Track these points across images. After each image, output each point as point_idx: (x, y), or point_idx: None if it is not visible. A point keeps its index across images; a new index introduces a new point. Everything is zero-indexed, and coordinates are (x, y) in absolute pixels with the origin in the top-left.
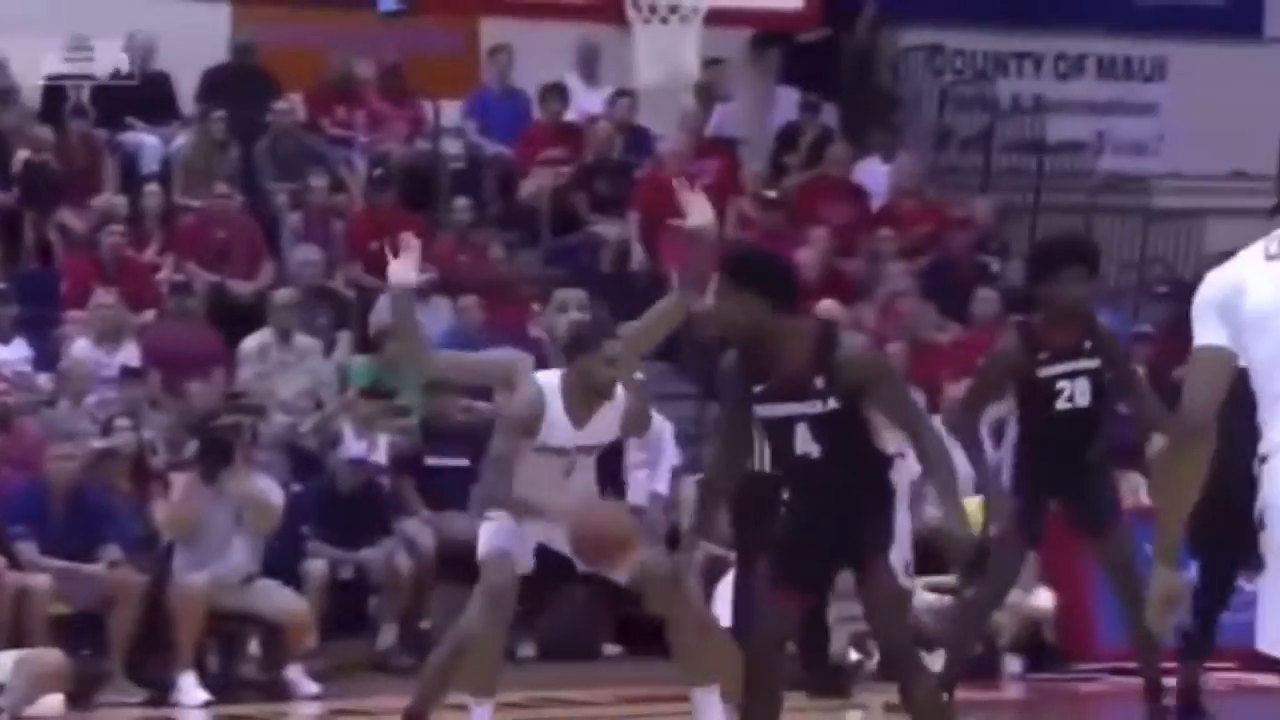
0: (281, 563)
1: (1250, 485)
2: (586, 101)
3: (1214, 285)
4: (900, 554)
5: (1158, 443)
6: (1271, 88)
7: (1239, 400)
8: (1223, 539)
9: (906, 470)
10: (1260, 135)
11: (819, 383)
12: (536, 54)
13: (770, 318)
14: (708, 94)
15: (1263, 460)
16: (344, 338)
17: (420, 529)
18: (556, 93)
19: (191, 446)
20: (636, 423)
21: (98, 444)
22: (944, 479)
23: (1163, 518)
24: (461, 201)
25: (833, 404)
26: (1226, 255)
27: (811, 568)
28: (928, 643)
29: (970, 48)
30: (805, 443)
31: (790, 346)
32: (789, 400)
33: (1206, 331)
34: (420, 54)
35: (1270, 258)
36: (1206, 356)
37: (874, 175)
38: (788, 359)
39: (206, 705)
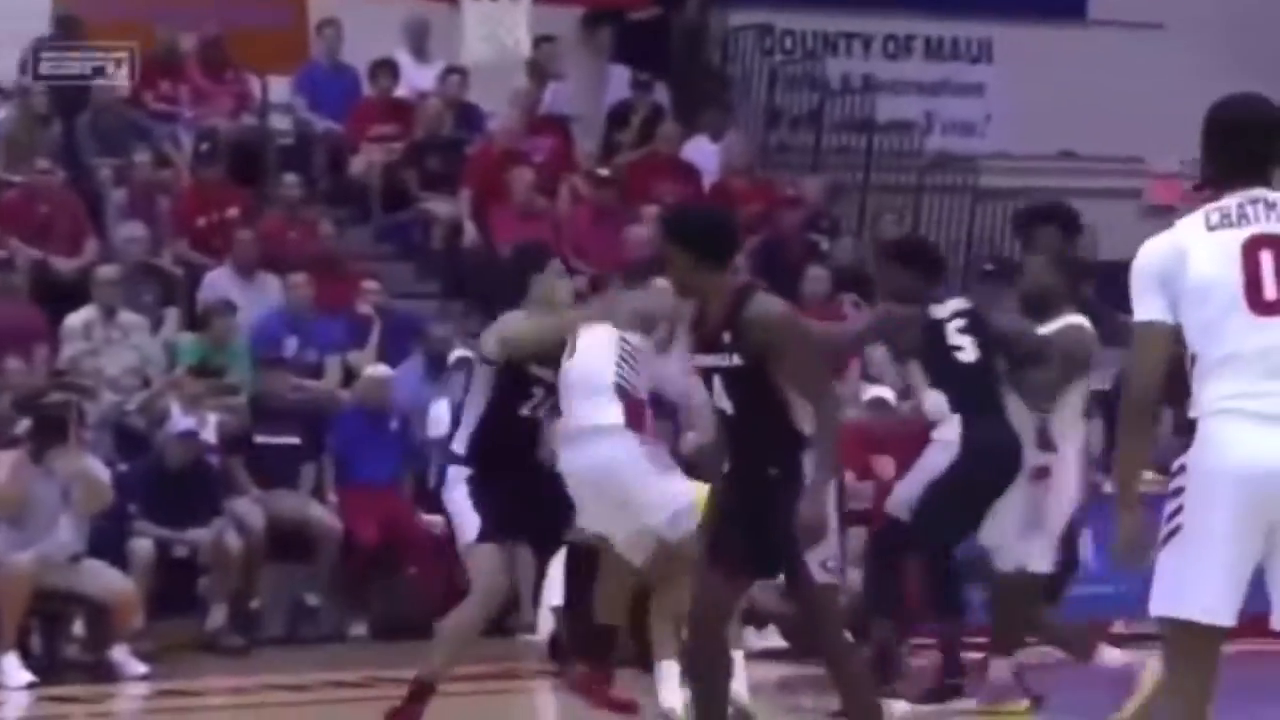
0: (107, 542)
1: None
2: (417, 78)
3: (1154, 254)
4: (822, 548)
5: None
6: (1095, 70)
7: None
8: (953, 510)
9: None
10: (1085, 116)
11: (726, 338)
12: (366, 29)
13: (693, 272)
14: (539, 72)
15: (1189, 424)
16: (171, 315)
17: (250, 508)
18: (387, 69)
19: (21, 424)
20: None
21: None
22: (822, 457)
23: (1123, 479)
24: (290, 178)
25: (737, 360)
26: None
27: (733, 546)
28: (759, 619)
29: (799, 27)
30: (721, 397)
31: (713, 301)
32: (708, 352)
33: (1147, 304)
34: (247, 28)
35: (1211, 228)
36: (1150, 331)
37: (704, 154)
38: (710, 313)
39: (30, 687)
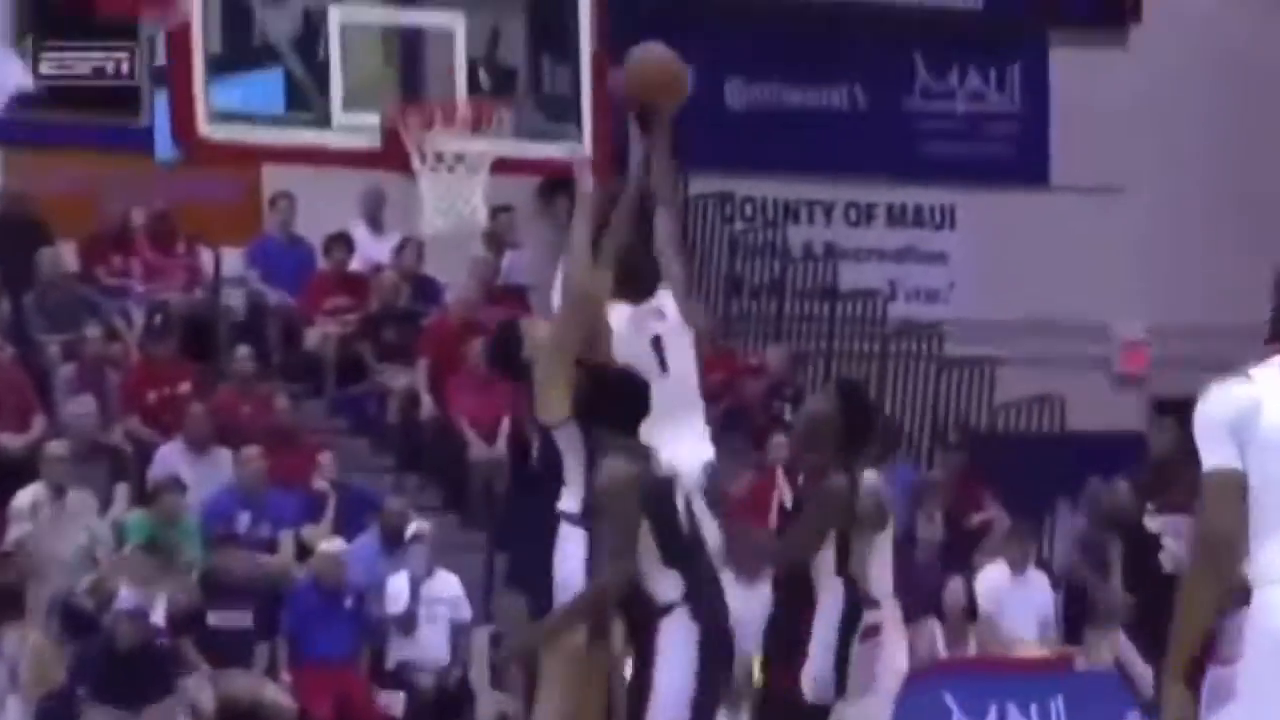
0: None
1: None
2: (373, 250)
3: (1226, 402)
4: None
5: None
6: (1059, 235)
7: None
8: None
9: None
10: (1050, 282)
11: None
12: (321, 202)
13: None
14: (497, 241)
15: (1252, 587)
16: (121, 491)
17: (201, 688)
18: (341, 242)
19: None
20: None
21: None
22: (564, 609)
23: (1179, 636)
24: (243, 351)
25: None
26: (1017, 404)
27: None
28: None
29: (760, 195)
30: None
31: None
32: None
33: (1218, 451)
34: (200, 201)
35: None
36: (1222, 479)
37: None
38: None
39: None
